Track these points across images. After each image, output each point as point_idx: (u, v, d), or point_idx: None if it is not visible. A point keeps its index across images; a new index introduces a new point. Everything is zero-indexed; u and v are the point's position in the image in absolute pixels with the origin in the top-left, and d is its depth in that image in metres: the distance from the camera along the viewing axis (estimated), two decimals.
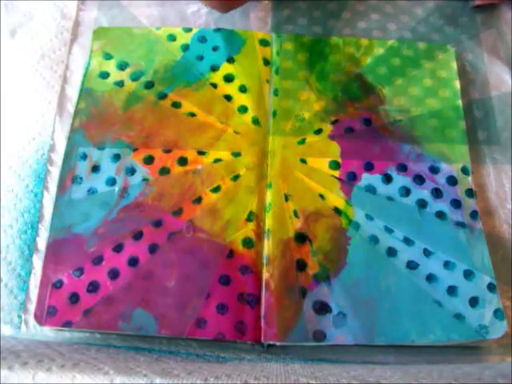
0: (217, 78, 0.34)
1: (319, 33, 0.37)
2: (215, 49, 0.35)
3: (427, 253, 0.29)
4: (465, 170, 0.32)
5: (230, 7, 0.32)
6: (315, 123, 0.33)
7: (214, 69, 0.35)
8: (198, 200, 0.30)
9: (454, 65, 0.35)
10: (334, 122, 0.33)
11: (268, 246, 0.29)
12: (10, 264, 0.29)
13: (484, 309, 0.27)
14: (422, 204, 0.30)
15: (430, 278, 0.28)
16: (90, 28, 0.36)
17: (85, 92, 0.33)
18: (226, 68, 0.35)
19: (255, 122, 0.33)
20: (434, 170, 0.32)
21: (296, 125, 0.33)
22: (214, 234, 0.29)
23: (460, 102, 0.34)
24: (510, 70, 0.36)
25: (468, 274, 0.28)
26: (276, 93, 0.34)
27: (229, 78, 0.34)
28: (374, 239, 0.29)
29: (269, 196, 0.30)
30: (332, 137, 0.33)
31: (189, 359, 0.26)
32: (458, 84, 0.35)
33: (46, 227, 0.30)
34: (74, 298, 0.27)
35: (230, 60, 0.35)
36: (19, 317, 0.28)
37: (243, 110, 0.33)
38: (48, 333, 0.27)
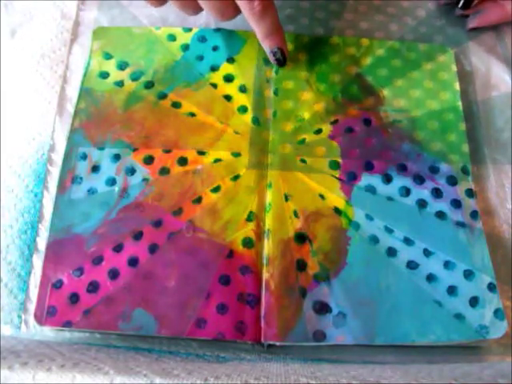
0: (217, 78, 0.34)
1: (321, 33, 0.37)
2: (215, 49, 0.35)
3: (427, 253, 0.29)
4: (465, 170, 0.32)
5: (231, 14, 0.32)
6: (315, 123, 0.33)
7: (214, 69, 0.35)
8: (198, 200, 0.30)
9: (454, 67, 0.35)
10: (334, 122, 0.33)
11: (268, 246, 0.29)
12: (9, 264, 0.29)
13: (484, 309, 0.27)
14: (422, 204, 0.30)
15: (430, 277, 0.28)
16: (90, 28, 0.36)
17: (85, 92, 0.33)
18: (226, 68, 0.35)
19: (255, 121, 0.33)
20: (434, 169, 0.32)
21: (296, 125, 0.33)
22: (213, 234, 0.29)
23: (460, 104, 0.34)
24: (510, 69, 0.36)
25: (468, 274, 0.28)
26: (276, 93, 0.34)
27: (229, 78, 0.34)
28: (374, 239, 0.29)
29: (269, 196, 0.30)
30: (332, 137, 0.33)
31: (189, 359, 0.26)
32: (457, 86, 0.35)
33: (46, 227, 0.29)
34: (74, 298, 0.27)
35: (230, 60, 0.35)
36: (19, 317, 0.28)
37: (243, 110, 0.33)
38: (48, 333, 0.27)
